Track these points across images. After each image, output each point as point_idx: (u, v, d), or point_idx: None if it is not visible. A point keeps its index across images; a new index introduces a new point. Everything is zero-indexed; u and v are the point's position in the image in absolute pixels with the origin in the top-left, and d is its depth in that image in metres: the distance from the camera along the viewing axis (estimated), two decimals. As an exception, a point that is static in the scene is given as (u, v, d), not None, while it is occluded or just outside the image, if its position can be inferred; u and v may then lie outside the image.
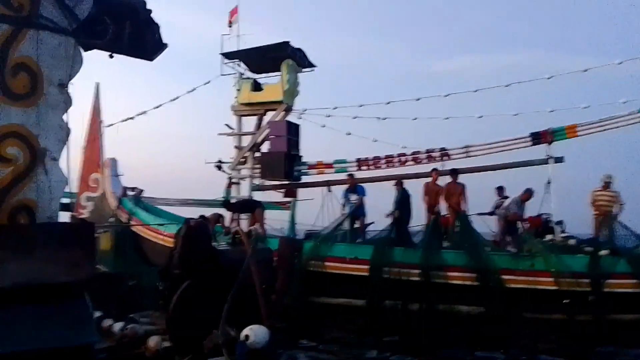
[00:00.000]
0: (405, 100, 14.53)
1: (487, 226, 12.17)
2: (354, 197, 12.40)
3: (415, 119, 14.39)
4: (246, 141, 14.73)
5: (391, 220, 11.50)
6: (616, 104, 11.45)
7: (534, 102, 16.73)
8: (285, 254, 10.08)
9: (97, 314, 7.10)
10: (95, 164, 14.60)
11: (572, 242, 10.38)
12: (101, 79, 18.44)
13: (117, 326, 7.27)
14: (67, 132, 3.49)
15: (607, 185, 10.59)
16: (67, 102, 3.42)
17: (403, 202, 11.76)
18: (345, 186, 12.56)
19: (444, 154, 12.89)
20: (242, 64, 15.37)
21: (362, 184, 12.62)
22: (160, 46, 3.74)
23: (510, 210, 10.89)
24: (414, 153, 13.25)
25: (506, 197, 11.90)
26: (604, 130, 11.42)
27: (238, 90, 14.90)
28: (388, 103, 14.57)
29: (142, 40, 3.56)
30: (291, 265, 10.09)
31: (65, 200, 15.08)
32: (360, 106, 14.38)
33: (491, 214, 12.19)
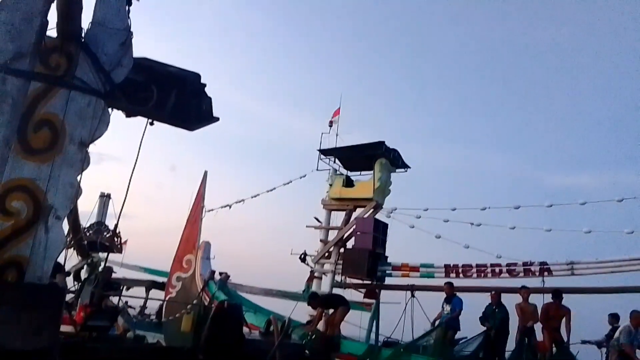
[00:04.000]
0: (503, 208, 13.69)
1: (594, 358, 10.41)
2: (447, 308, 11.44)
3: (513, 227, 13.33)
4: (332, 236, 14.67)
5: (483, 338, 10.37)
6: None
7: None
8: (320, 350, 9.20)
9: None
10: (191, 245, 15.40)
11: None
12: (207, 167, 19.95)
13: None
14: (78, 191, 3.39)
15: None
16: (85, 162, 3.38)
17: (501, 319, 10.58)
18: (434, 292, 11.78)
19: (545, 268, 11.62)
20: (337, 161, 15.82)
21: (458, 294, 11.62)
22: (207, 118, 3.91)
23: (621, 340, 9.22)
24: (509, 264, 12.12)
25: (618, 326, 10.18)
26: None
27: (330, 184, 15.21)
28: (483, 209, 13.79)
29: (185, 110, 3.76)
30: None
31: (158, 279, 15.91)
32: (453, 210, 13.78)
33: (601, 344, 10.44)
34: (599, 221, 12.88)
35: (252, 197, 16.22)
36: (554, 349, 9.88)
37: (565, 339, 9.95)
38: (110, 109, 3.38)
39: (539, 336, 10.32)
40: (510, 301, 10.81)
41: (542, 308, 10.24)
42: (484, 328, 10.64)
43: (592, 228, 11.89)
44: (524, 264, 11.90)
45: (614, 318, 10.65)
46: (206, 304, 14.07)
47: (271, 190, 16.07)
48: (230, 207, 16.04)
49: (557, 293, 10.32)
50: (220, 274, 15.04)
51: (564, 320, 10.03)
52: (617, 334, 9.93)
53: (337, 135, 15.65)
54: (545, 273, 11.56)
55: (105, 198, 19.07)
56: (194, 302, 14.29)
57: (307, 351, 8.64)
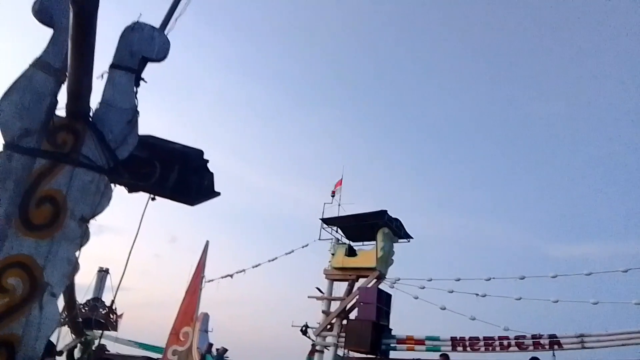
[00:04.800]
0: (508, 278, 13.43)
1: None
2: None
3: (519, 298, 13.01)
4: (335, 306, 14.31)
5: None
6: None
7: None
8: None
9: None
10: (189, 317, 15.03)
11: None
12: (211, 237, 19.88)
13: None
14: (75, 268, 3.33)
15: None
16: (84, 237, 3.33)
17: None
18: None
19: (555, 341, 11.24)
20: (339, 230, 15.76)
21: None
22: (208, 193, 3.93)
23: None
24: (517, 337, 11.74)
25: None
26: None
27: (333, 254, 15.06)
28: (488, 279, 13.53)
29: (187, 185, 3.79)
30: None
31: (152, 355, 15.31)
32: (457, 280, 13.50)
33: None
34: (606, 292, 12.57)
35: (253, 267, 16.01)
36: None
37: None
38: (113, 185, 3.40)
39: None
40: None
41: None
42: None
43: (599, 299, 11.60)
44: (533, 336, 11.53)
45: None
46: (203, 379, 13.56)
47: (273, 259, 15.89)
48: (231, 276, 15.77)
49: None
50: (217, 349, 14.56)
51: None
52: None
53: (339, 205, 15.75)
54: (556, 346, 11.17)
55: (103, 273, 18.90)
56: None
57: None
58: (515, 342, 11.63)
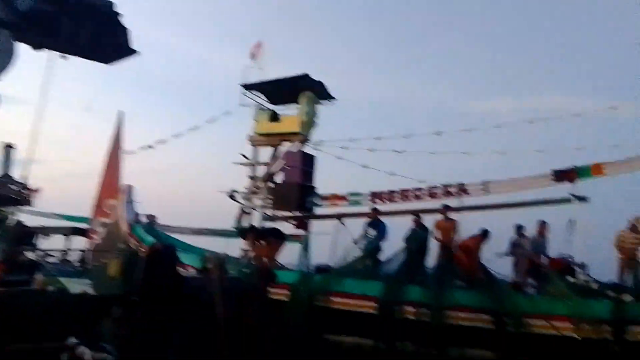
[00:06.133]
0: (425, 134, 14.25)
1: (506, 267, 11.57)
2: (372, 232, 12.09)
3: (433, 153, 14.01)
4: (261, 171, 14.62)
5: (405, 257, 11.12)
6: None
7: (560, 141, 16.12)
8: (259, 284, 9.34)
9: (73, 340, 6.81)
10: (112, 190, 14.76)
11: (594, 285, 9.67)
12: (126, 108, 18.90)
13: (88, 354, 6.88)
14: None
15: (634, 227, 9.92)
16: None
17: (419, 238, 11.42)
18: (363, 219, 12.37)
19: (462, 189, 12.43)
20: (261, 95, 15.46)
21: (383, 219, 12.33)
22: (124, 51, 3.59)
23: (528, 249, 10.34)
24: (430, 188, 12.83)
25: (525, 236, 11.33)
26: (633, 170, 10.80)
27: (256, 120, 14.94)
28: (406, 137, 14.30)
29: (100, 42, 3.43)
30: (263, 297, 9.20)
31: (80, 226, 15.15)
32: (378, 139, 14.13)
33: (509, 253, 11.60)
34: (514, 143, 13.80)
35: (174, 137, 15.59)
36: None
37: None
38: (15, 42, 2.95)
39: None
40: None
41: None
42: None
43: (506, 149, 12.79)
44: (444, 186, 12.64)
45: (519, 229, 11.79)
46: (134, 248, 13.79)
47: (194, 128, 15.51)
48: (152, 147, 15.33)
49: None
50: (147, 216, 14.65)
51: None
52: (524, 244, 11.10)
53: (260, 68, 15.17)
54: (463, 193, 12.38)
55: (8, 149, 17.51)
56: (121, 247, 13.95)
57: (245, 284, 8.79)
58: (429, 193, 12.74)
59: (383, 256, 11.98)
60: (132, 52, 3.58)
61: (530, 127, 12.92)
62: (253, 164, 14.75)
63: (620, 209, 11.81)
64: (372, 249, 11.88)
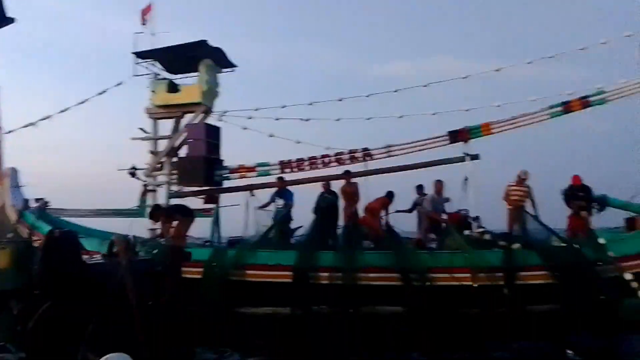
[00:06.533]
0: (329, 101, 14.36)
1: (410, 225, 12.32)
2: (280, 202, 12.15)
3: (338, 119, 14.22)
4: (163, 146, 13.92)
5: (314, 224, 11.36)
6: (526, 103, 11.90)
7: (453, 103, 17.17)
8: (173, 264, 8.87)
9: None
10: (-7, 174, 13.28)
11: (487, 236, 10.61)
12: (3, 82, 16.94)
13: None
14: None
15: (521, 181, 10.93)
16: None
17: (329, 202, 11.70)
18: (273, 189, 12.37)
19: (367, 154, 12.83)
20: (157, 64, 14.56)
21: (290, 188, 12.44)
22: (1, 21, 3.14)
23: (427, 208, 11.05)
24: (337, 154, 13.10)
25: (425, 195, 12.09)
26: (516, 127, 11.82)
27: (153, 91, 14.08)
28: (310, 104, 14.30)
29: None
30: (178, 277, 8.83)
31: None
32: (283, 107, 14.00)
33: (409, 211, 12.35)
34: (411, 106, 14.40)
35: (60, 112, 14.25)
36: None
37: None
38: None
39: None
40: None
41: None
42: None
43: (404, 113, 13.34)
44: (350, 152, 12.96)
45: (419, 189, 12.56)
46: (25, 236, 12.64)
47: (83, 102, 14.27)
48: (35, 125, 13.91)
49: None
50: (37, 200, 13.43)
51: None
52: (424, 203, 11.84)
53: (152, 34, 14.20)
54: (368, 158, 12.81)
55: None
56: (10, 236, 12.73)
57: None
58: (336, 159, 13.00)
59: (294, 224, 12.18)
60: (9, 20, 3.13)
61: (425, 90, 13.54)
62: (153, 138, 13.99)
63: (508, 165, 12.94)
64: (281, 217, 11.97)
